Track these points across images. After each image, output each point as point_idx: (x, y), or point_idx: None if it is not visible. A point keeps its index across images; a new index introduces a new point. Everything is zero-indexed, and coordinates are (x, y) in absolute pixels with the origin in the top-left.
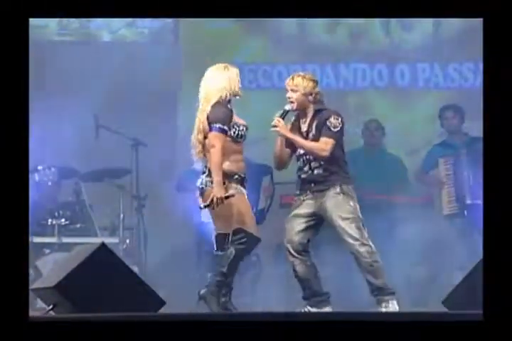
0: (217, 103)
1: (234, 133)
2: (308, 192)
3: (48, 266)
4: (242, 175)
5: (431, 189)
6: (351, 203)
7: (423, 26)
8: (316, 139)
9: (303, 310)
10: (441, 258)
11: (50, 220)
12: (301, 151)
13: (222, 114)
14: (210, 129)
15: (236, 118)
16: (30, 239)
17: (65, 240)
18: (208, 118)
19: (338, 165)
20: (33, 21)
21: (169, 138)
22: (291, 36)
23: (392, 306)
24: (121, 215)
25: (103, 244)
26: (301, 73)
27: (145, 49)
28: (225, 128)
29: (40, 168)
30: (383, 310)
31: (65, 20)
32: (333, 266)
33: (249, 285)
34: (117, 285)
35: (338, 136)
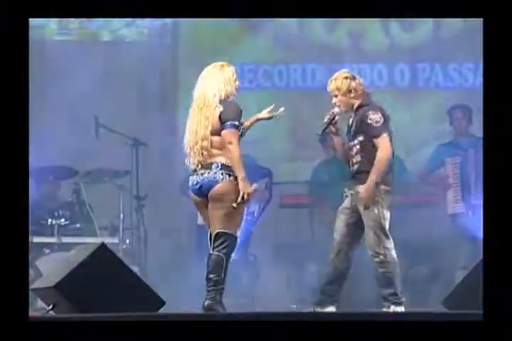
0: (229, 102)
1: (240, 131)
2: (348, 188)
3: (48, 266)
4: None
5: (434, 188)
6: (375, 211)
7: (423, 26)
8: (356, 134)
9: (308, 310)
10: (442, 258)
11: (50, 220)
12: (352, 143)
13: (236, 111)
14: (224, 127)
15: None
16: (30, 239)
17: (65, 240)
18: (220, 117)
19: (372, 163)
20: (33, 21)
21: (169, 138)
22: (292, 36)
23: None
24: (121, 215)
25: (103, 244)
26: (336, 74)
27: (145, 49)
28: (237, 123)
29: (40, 167)
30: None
31: (64, 19)
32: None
33: (248, 285)
34: (117, 285)
35: (385, 129)
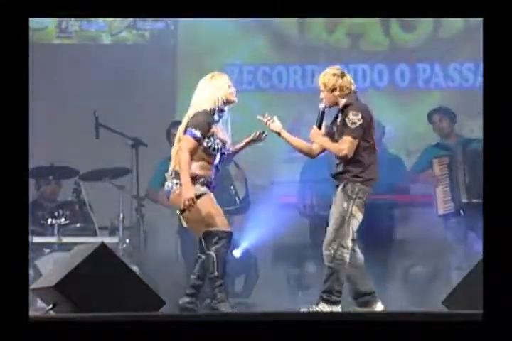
0: (201, 112)
1: (207, 143)
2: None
3: (48, 265)
4: (209, 179)
5: (422, 189)
6: (345, 204)
7: (423, 26)
8: (341, 135)
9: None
10: (440, 258)
11: (50, 220)
12: None
13: (200, 121)
14: (185, 132)
15: (217, 132)
16: (30, 239)
17: (65, 240)
18: (186, 124)
19: (351, 163)
20: (32, 24)
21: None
22: (291, 36)
23: (317, 309)
24: (121, 215)
25: (103, 244)
26: (327, 70)
27: (145, 51)
28: (198, 134)
29: (40, 167)
30: (309, 309)
31: (64, 22)
32: None
33: (248, 285)
34: (117, 285)
35: (358, 133)
